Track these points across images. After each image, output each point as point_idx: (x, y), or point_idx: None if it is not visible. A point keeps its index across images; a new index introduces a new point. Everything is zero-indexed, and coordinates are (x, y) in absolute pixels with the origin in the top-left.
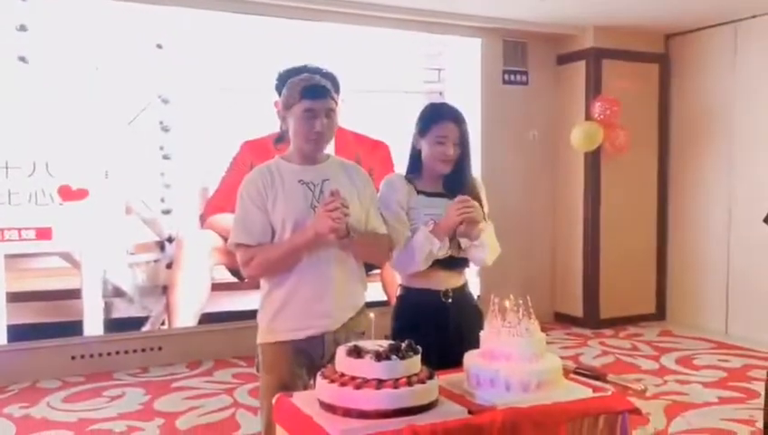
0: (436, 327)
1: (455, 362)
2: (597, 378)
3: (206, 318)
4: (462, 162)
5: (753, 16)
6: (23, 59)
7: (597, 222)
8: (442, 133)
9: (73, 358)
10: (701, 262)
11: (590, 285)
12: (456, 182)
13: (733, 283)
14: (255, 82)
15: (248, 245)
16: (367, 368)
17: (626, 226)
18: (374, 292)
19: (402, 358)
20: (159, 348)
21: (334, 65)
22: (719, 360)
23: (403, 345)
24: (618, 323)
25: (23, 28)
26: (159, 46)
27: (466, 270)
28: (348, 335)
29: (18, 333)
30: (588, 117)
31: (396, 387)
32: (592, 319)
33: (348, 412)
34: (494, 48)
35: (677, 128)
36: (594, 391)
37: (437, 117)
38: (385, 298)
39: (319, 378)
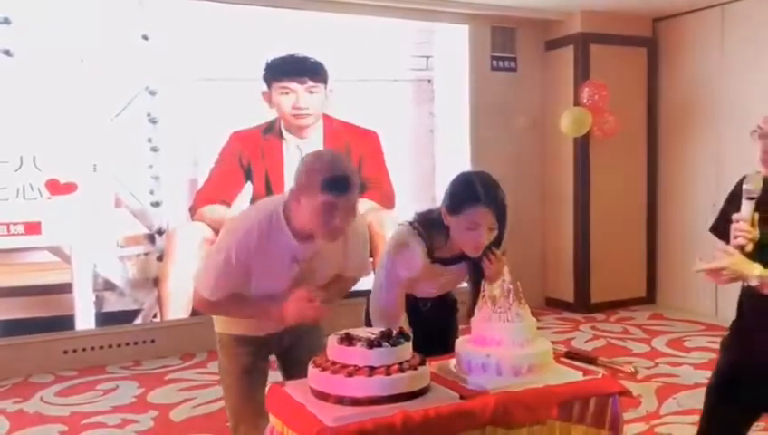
0: (418, 337)
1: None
2: (588, 361)
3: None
4: (497, 241)
5: None
6: (7, 52)
7: (587, 207)
8: (476, 220)
9: (66, 352)
10: (691, 245)
11: (580, 270)
12: (481, 258)
13: None
14: (243, 71)
15: (212, 301)
16: (358, 355)
17: (616, 210)
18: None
19: (394, 345)
20: (152, 341)
21: (322, 54)
22: (709, 342)
23: (394, 332)
24: (608, 307)
25: (6, 21)
26: (145, 38)
27: None
28: (307, 327)
29: (9, 328)
30: (576, 102)
31: (388, 374)
32: (583, 304)
33: (340, 400)
34: (482, 34)
35: (666, 111)
36: (584, 375)
37: (472, 199)
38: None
39: (311, 366)
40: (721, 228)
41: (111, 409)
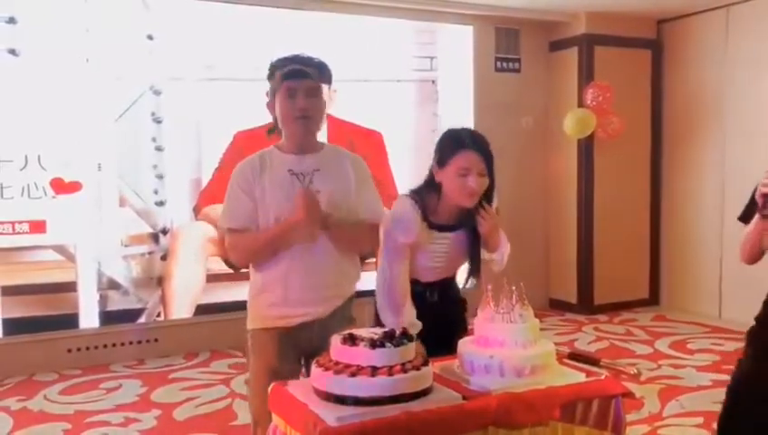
0: (426, 327)
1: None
2: (591, 363)
3: (202, 309)
4: (487, 196)
5: (745, 0)
6: (12, 51)
7: (590, 208)
8: (464, 165)
9: (69, 351)
10: (694, 247)
11: (583, 271)
12: (473, 217)
13: (726, 267)
14: (247, 71)
15: (234, 229)
16: (361, 355)
17: (619, 212)
18: (369, 281)
19: (396, 345)
20: (155, 340)
21: (326, 54)
22: (713, 344)
23: (397, 332)
24: (612, 308)
25: (12, 20)
26: (150, 37)
27: None
28: (338, 323)
29: (13, 326)
30: (580, 103)
31: (391, 374)
32: (586, 305)
33: (343, 400)
34: (487, 35)
35: (670, 113)
36: (587, 376)
37: (458, 146)
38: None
39: (314, 366)
40: (749, 216)
41: (115, 407)
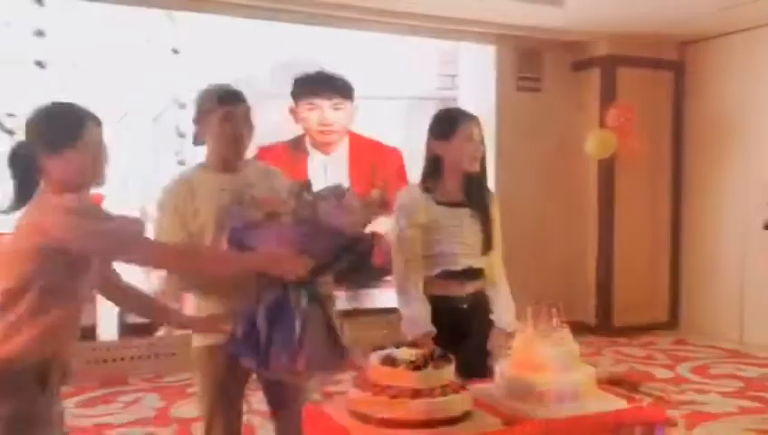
0: (453, 334)
1: (471, 368)
2: (631, 388)
3: None
4: (483, 167)
5: (766, 25)
6: (40, 63)
7: (611, 229)
8: (469, 131)
9: (87, 363)
10: (715, 270)
11: (603, 293)
12: (476, 190)
13: (747, 291)
14: (272, 87)
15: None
16: (401, 377)
17: (640, 233)
18: (387, 298)
19: (436, 367)
20: (173, 354)
21: (349, 71)
22: (735, 369)
23: (437, 355)
24: (631, 331)
25: (40, 33)
26: (176, 51)
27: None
28: None
29: None
30: (602, 124)
31: (432, 397)
32: (606, 327)
33: (383, 422)
34: (509, 55)
35: (692, 135)
36: (629, 402)
37: (462, 118)
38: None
39: (351, 387)
40: None
41: (134, 421)
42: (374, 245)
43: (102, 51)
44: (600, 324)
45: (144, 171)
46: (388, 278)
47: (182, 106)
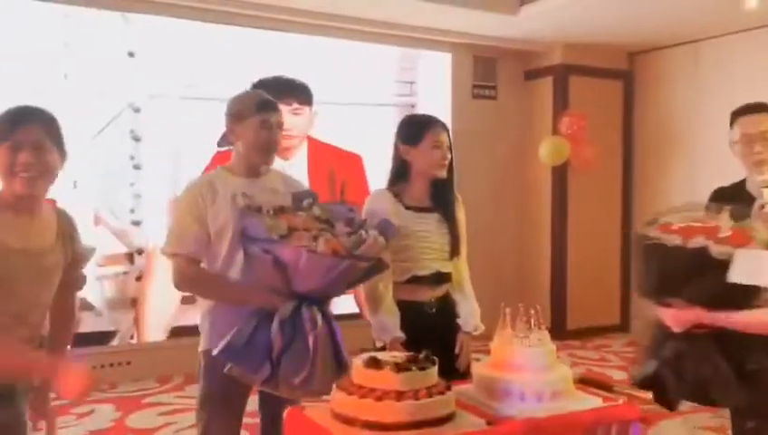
0: (422, 338)
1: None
2: (604, 387)
3: (176, 332)
4: (450, 173)
5: (713, 37)
6: None
7: (564, 234)
8: (439, 139)
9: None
10: None
11: (557, 297)
12: (443, 195)
13: None
14: (229, 91)
15: (182, 254)
16: (386, 379)
17: (592, 238)
18: (346, 304)
19: (421, 369)
20: (128, 363)
21: (307, 77)
22: None
23: (421, 356)
24: (584, 334)
25: None
26: (131, 54)
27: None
28: None
29: None
30: (555, 131)
31: (417, 398)
32: (560, 330)
33: (368, 425)
34: (465, 63)
35: (641, 143)
36: (604, 401)
37: (430, 124)
38: (357, 310)
39: (336, 390)
40: None
41: (88, 433)
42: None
43: (56, 52)
44: (554, 327)
45: (97, 175)
46: None
47: (136, 110)
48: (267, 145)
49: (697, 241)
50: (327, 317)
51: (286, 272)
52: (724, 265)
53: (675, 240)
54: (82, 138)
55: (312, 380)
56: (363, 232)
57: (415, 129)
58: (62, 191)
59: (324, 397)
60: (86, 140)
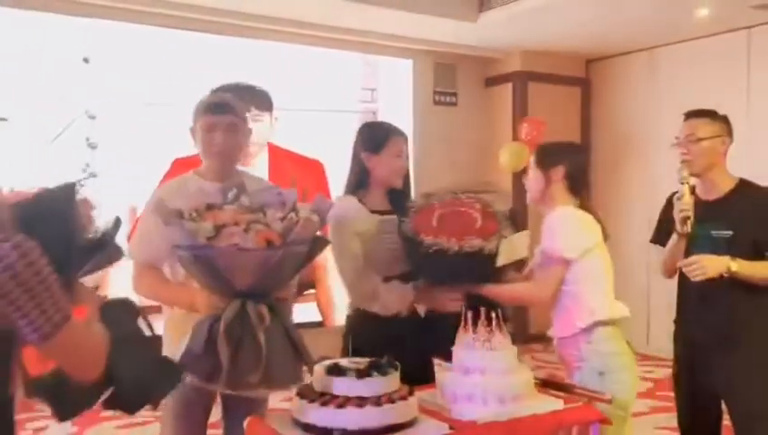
0: (394, 342)
1: (413, 375)
2: (563, 389)
3: None
4: (407, 180)
5: (667, 44)
6: None
7: None
8: (398, 148)
9: None
10: (622, 277)
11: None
12: (400, 201)
13: (653, 296)
14: (187, 97)
15: (140, 259)
16: (348, 386)
17: None
18: (308, 313)
19: (384, 374)
20: None
21: (268, 83)
22: (645, 371)
23: (383, 361)
24: (546, 338)
25: None
26: (86, 60)
27: None
28: None
29: None
30: (515, 137)
31: (379, 404)
32: (521, 334)
33: (330, 432)
34: (425, 69)
35: (599, 147)
36: (566, 403)
37: (391, 133)
38: (320, 319)
39: (296, 398)
40: (662, 237)
41: None
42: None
43: (7, 58)
44: (516, 332)
45: (52, 183)
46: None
47: (92, 117)
48: (214, 148)
49: (474, 243)
50: (275, 310)
51: (221, 273)
52: (493, 258)
53: (453, 246)
54: (36, 146)
55: (271, 375)
56: (293, 214)
57: (377, 136)
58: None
59: (285, 405)
60: (40, 149)
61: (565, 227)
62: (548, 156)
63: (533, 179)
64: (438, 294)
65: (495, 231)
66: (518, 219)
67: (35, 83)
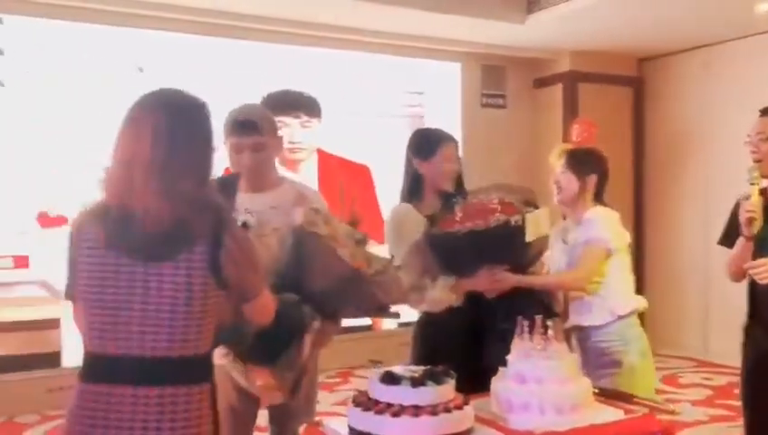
0: (451, 346)
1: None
2: (623, 399)
3: None
4: (460, 183)
5: (723, 41)
6: None
7: None
8: (449, 153)
9: (51, 391)
10: (678, 281)
11: (568, 308)
12: (454, 206)
13: (711, 301)
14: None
15: None
16: (403, 394)
17: None
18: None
19: (439, 383)
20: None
21: (316, 89)
22: (703, 378)
23: (438, 370)
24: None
25: (0, 52)
26: (141, 70)
27: None
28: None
29: None
30: (565, 139)
31: (435, 414)
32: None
33: None
34: (473, 72)
35: (652, 150)
36: (625, 413)
37: (442, 139)
38: (368, 322)
39: (351, 406)
40: (730, 239)
41: None
42: None
43: (65, 69)
44: (566, 339)
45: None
46: None
47: None
48: (241, 169)
49: (499, 218)
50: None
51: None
52: (521, 230)
53: (481, 225)
54: (91, 154)
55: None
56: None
57: (428, 143)
58: (73, 208)
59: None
60: (94, 157)
61: (609, 222)
62: (584, 163)
63: (569, 183)
64: (479, 278)
65: (517, 210)
66: (535, 205)
67: (91, 93)
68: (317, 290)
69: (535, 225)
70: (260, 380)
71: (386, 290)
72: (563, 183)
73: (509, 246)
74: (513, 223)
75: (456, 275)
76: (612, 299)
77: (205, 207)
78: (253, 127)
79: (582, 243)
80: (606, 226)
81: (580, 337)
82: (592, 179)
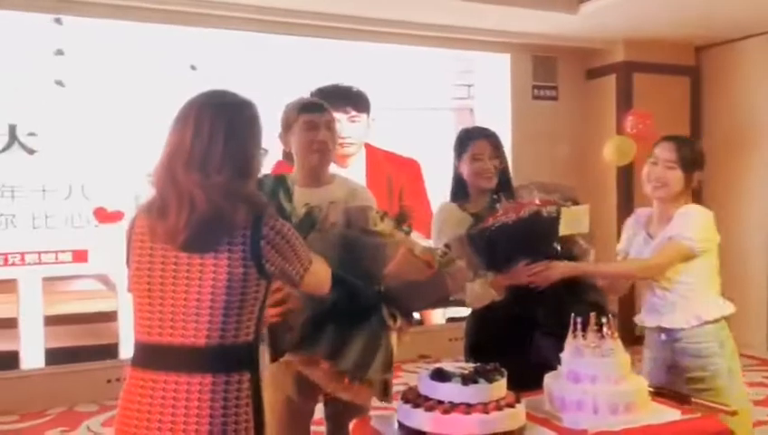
0: (500, 343)
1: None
2: (680, 399)
3: None
4: (503, 176)
5: None
6: (59, 83)
7: None
8: (477, 151)
9: (109, 381)
10: (739, 276)
11: (625, 303)
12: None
13: None
14: (288, 100)
15: None
16: (454, 392)
17: None
18: None
19: (490, 381)
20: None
21: (365, 84)
22: (765, 377)
23: (489, 368)
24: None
25: (59, 52)
26: (194, 67)
27: None
28: None
29: (55, 356)
30: (619, 131)
31: (486, 412)
32: (629, 335)
33: None
34: (524, 63)
35: (711, 141)
36: (682, 414)
37: (471, 137)
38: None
39: (401, 402)
40: None
41: None
42: None
43: (122, 68)
44: (622, 330)
45: None
46: None
47: None
48: (314, 145)
49: (531, 209)
50: None
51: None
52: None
53: (512, 217)
54: (148, 151)
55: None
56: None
57: (459, 144)
58: (130, 203)
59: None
60: (151, 153)
61: (701, 221)
62: (696, 160)
63: (676, 179)
64: (517, 272)
65: (554, 203)
66: (576, 203)
67: (146, 91)
68: (393, 289)
69: (572, 219)
70: (319, 368)
71: (456, 279)
72: (670, 180)
73: (541, 237)
74: (545, 214)
75: (495, 270)
76: (698, 302)
77: (241, 198)
78: (324, 107)
79: (668, 237)
80: (697, 224)
81: (667, 338)
82: (698, 176)
